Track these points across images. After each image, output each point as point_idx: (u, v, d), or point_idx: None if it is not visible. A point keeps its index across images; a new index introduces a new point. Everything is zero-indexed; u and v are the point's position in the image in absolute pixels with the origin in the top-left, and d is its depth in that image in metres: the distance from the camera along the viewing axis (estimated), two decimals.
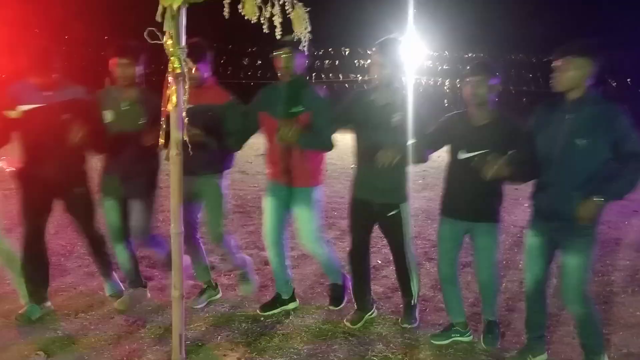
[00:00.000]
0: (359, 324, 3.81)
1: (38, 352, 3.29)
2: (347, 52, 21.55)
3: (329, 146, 3.72)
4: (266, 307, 3.97)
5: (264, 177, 4.35)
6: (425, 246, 5.63)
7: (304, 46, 2.75)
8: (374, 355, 3.47)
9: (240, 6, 2.57)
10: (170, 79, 2.58)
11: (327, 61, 21.75)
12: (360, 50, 20.99)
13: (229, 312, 3.98)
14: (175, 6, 2.48)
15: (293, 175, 3.72)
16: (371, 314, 3.93)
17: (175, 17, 2.52)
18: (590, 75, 2.99)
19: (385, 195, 3.61)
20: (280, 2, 2.56)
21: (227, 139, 3.75)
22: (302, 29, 2.66)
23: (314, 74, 21.60)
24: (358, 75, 21.44)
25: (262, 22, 2.59)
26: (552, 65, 3.04)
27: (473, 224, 3.48)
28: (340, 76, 21.52)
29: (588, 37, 3.05)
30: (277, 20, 2.57)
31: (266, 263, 4.50)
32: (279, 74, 3.68)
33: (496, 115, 3.39)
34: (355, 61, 21.66)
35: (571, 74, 2.98)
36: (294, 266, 4.84)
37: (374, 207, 3.66)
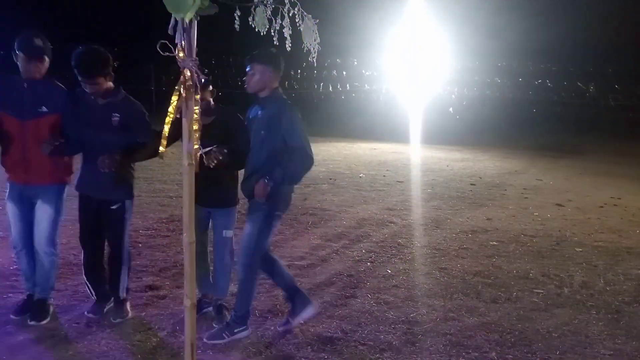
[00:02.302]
0: (99, 315, 3.91)
1: None
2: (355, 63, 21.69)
3: (77, 149, 3.78)
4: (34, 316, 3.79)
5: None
6: (435, 255, 5.63)
7: (314, 57, 2.77)
8: None
9: (250, 18, 2.61)
10: (181, 89, 2.62)
11: (334, 71, 21.88)
12: (367, 60, 21.13)
13: None
14: (187, 19, 2.53)
15: (32, 172, 3.69)
16: (110, 304, 3.99)
17: (187, 29, 2.56)
18: (271, 79, 3.63)
19: (105, 192, 3.78)
20: (290, 14, 2.60)
21: None
22: (312, 41, 2.70)
23: (321, 84, 21.77)
24: (365, 85, 21.55)
25: (272, 33, 2.63)
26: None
27: (213, 209, 3.91)
28: (348, 86, 21.64)
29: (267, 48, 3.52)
30: (287, 32, 2.61)
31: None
32: (23, 72, 3.61)
33: (222, 113, 3.83)
34: (363, 71, 21.79)
35: (256, 78, 3.62)
36: (302, 275, 4.86)
37: (94, 203, 3.83)
